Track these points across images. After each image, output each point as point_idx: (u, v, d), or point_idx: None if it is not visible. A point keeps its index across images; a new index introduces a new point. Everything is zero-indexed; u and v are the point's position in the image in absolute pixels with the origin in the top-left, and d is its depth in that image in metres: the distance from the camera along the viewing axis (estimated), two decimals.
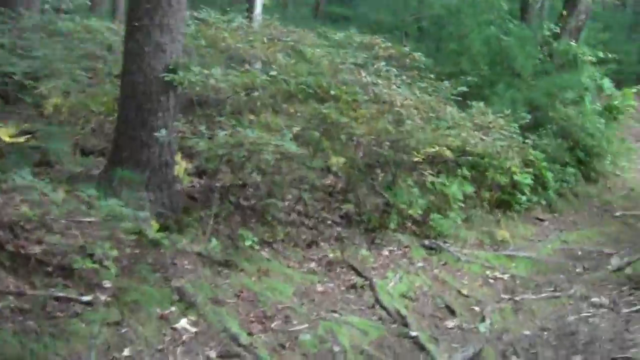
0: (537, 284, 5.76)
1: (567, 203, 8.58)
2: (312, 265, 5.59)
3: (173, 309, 4.14)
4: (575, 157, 9.21)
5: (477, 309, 5.20)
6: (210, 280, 4.69)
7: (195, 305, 4.25)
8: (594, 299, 5.25)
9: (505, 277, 5.91)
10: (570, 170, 8.86)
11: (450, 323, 4.93)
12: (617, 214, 8.35)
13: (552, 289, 5.62)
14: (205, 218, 5.23)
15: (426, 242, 6.41)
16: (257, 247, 5.30)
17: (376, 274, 5.54)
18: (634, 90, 10.40)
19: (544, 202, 8.26)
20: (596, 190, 9.21)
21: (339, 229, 6.28)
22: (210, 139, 4.91)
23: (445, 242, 6.47)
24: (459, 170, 7.33)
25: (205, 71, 4.87)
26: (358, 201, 6.73)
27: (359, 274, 5.50)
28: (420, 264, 5.96)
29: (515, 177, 7.77)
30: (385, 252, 6.13)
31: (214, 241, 5.06)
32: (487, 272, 5.97)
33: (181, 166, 5.18)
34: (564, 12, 10.56)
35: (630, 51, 20.35)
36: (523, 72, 9.61)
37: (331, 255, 5.75)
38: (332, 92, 5.74)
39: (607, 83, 10.36)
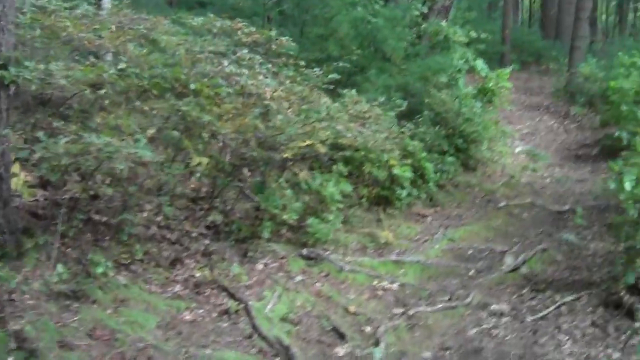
0: (430, 293, 6.02)
1: (448, 195, 9.09)
2: (177, 288, 5.48)
3: None
4: (453, 145, 9.78)
5: (368, 329, 5.32)
6: (56, 318, 4.42)
7: (38, 352, 3.97)
8: (494, 307, 5.60)
9: (395, 286, 6.11)
10: (450, 159, 9.39)
11: (340, 350, 4.99)
12: (501, 204, 8.92)
13: (447, 297, 5.90)
14: (50, 239, 4.96)
15: (304, 251, 6.50)
16: (111, 273, 5.10)
17: (251, 294, 5.53)
18: (507, 70, 11.23)
19: (424, 196, 8.69)
20: (476, 179, 9.83)
21: (206, 241, 6.21)
22: (45, 148, 4.64)
23: (325, 250, 6.61)
24: (335, 166, 7.53)
25: (41, 66, 4.58)
26: (226, 208, 6.70)
27: (231, 295, 5.46)
28: (299, 278, 6.04)
29: (395, 171, 8.10)
30: (260, 266, 6.16)
31: (61, 268, 4.80)
32: (375, 282, 6.14)
33: (20, 178, 4.84)
34: None
35: (493, 30, 22.10)
36: (394, 55, 10.05)
37: (198, 274, 5.67)
38: (192, 86, 5.64)
39: (480, 64, 11.09)
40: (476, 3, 22.58)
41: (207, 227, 6.45)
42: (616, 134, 11.09)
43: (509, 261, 6.64)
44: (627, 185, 5.45)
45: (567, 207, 8.96)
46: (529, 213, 8.74)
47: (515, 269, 6.44)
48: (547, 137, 13.76)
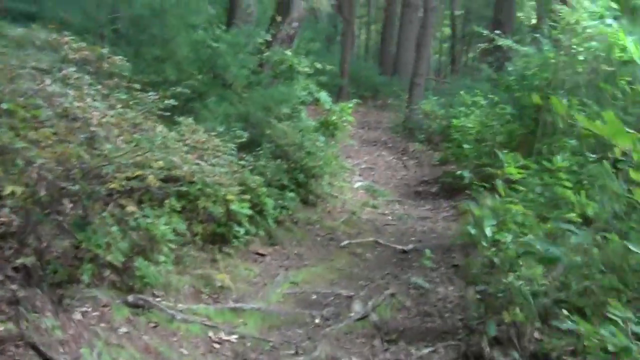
0: (273, 345, 5.64)
1: (288, 232, 8.86)
2: None
3: None
4: (294, 180, 9.63)
5: None
6: None
7: None
8: None
9: (233, 338, 5.67)
10: (290, 194, 9.20)
11: None
12: (344, 243, 8.83)
13: (292, 351, 5.55)
14: None
15: (130, 297, 5.89)
16: None
17: (66, 353, 4.90)
18: (351, 104, 11.34)
19: (263, 234, 8.41)
20: (317, 216, 9.71)
21: (13, 287, 5.46)
22: None
23: (154, 296, 6.08)
24: (167, 201, 7.06)
25: None
26: (40, 246, 6.00)
27: (41, 355, 4.77)
28: (124, 329, 5.44)
29: (232, 207, 7.77)
30: (78, 316, 5.49)
31: None
32: (210, 334, 5.66)
33: None
34: (278, 18, 11.01)
35: (332, 63, 22.62)
36: (236, 83, 9.76)
37: (1, 328, 4.96)
38: (5, 106, 4.99)
39: (324, 96, 11.12)
40: (318, 35, 23.02)
41: (16, 270, 5.70)
42: (458, 172, 11.50)
43: (357, 308, 6.43)
44: (488, 231, 5.47)
45: (410, 246, 9.04)
46: (373, 253, 8.72)
47: (364, 317, 6.23)
48: (386, 173, 14.07)
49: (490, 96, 12.48)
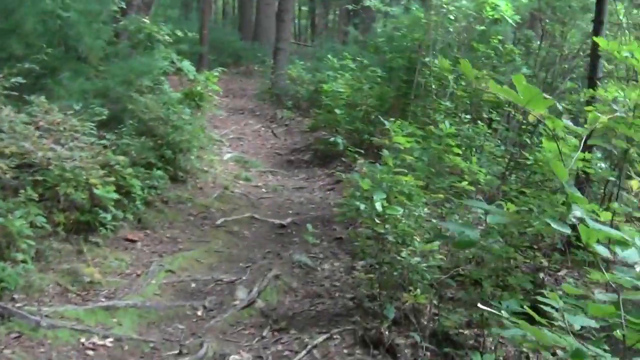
0: (154, 346, 5.07)
1: (159, 214, 8.24)
2: None
3: None
4: (161, 156, 9.02)
5: None
6: None
7: None
8: (233, 357, 4.91)
9: (108, 342, 5.05)
10: (158, 172, 8.56)
11: None
12: (219, 221, 8.31)
13: (176, 351, 5.01)
14: None
15: None
16: None
17: None
18: (216, 73, 10.75)
19: (132, 218, 7.78)
20: (188, 193, 9.14)
21: None
22: None
23: (14, 301, 5.38)
24: (23, 191, 6.29)
25: None
26: None
27: None
28: None
29: (96, 191, 7.10)
30: None
31: None
32: (82, 340, 5.02)
33: None
34: None
35: (190, 30, 21.73)
36: (92, 55, 8.94)
37: None
38: None
39: (187, 65, 10.47)
40: (175, 1, 22.01)
41: None
42: (331, 139, 11.24)
43: (241, 294, 5.96)
44: (378, 206, 5.16)
45: (289, 220, 8.69)
46: (250, 230, 8.29)
47: (249, 304, 5.79)
48: (256, 142, 13.60)
49: (359, 59, 12.25)
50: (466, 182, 5.67)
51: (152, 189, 8.41)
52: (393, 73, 11.80)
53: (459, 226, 3.50)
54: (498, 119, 10.19)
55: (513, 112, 9.89)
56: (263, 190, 10.32)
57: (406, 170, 5.62)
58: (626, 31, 8.40)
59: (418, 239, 5.20)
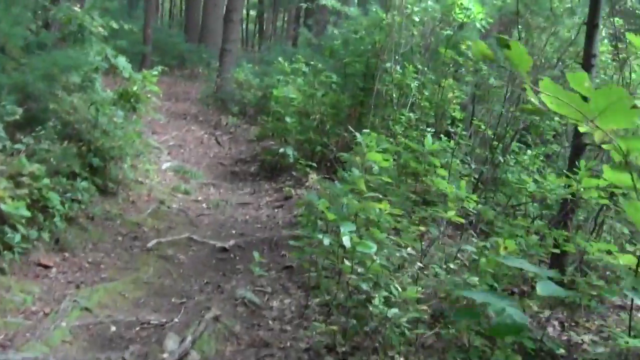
0: None
1: (81, 233, 6.95)
2: None
3: None
4: (87, 165, 7.73)
5: None
6: None
7: None
8: None
9: None
10: (83, 184, 7.25)
11: None
12: (151, 244, 7.05)
13: None
14: None
15: None
16: None
17: None
18: (155, 72, 9.47)
19: (47, 237, 6.48)
20: (118, 208, 7.87)
21: None
22: None
23: None
24: None
25: None
26: None
27: None
28: None
29: (3, 207, 5.82)
30: None
31: None
32: None
33: None
34: None
35: (134, 29, 20.33)
36: (10, 45, 7.60)
37: None
38: None
39: (123, 62, 9.15)
40: None
41: None
42: (280, 149, 10.09)
43: (171, 344, 4.65)
44: (346, 241, 4.04)
45: (232, 242, 7.49)
46: (187, 254, 7.06)
47: (182, 358, 4.58)
48: (198, 151, 12.33)
49: (313, 63, 11.13)
50: (452, 212, 4.60)
51: (74, 202, 7.11)
52: (349, 79, 10.71)
53: (494, 298, 2.35)
54: (464, 132, 9.22)
55: (483, 126, 8.94)
56: (203, 205, 9.09)
57: (380, 195, 4.51)
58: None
59: (395, 285, 4.09)
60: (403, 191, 5.45)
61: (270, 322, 5.28)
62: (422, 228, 4.60)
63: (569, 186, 5.32)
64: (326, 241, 4.16)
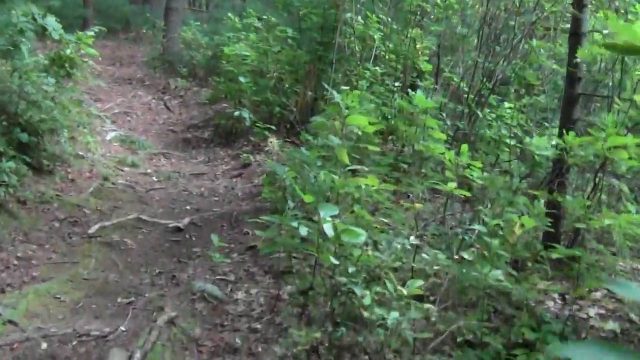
0: None
1: (10, 221, 5.85)
2: None
3: None
4: (15, 141, 6.63)
5: None
6: None
7: None
8: None
9: None
10: (9, 164, 6.16)
11: None
12: (93, 229, 6.02)
13: None
14: None
15: None
16: None
17: None
18: (91, 33, 8.27)
19: None
20: (54, 189, 6.78)
21: None
22: None
23: None
24: None
25: None
26: None
27: None
28: None
29: None
30: None
31: None
32: None
33: None
34: None
35: None
36: None
37: None
38: None
39: (52, 23, 7.93)
40: None
41: None
42: (235, 112, 9.05)
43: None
44: (328, 229, 3.12)
45: (186, 220, 6.52)
46: (136, 238, 6.04)
47: None
48: (145, 118, 11.19)
49: (266, 17, 10.02)
50: (453, 184, 3.70)
51: (2, 186, 6.05)
52: (306, 33, 9.67)
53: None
54: (435, 87, 8.32)
55: (455, 79, 8.05)
56: (154, 179, 8.05)
57: (365, 168, 3.59)
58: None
59: (388, 281, 3.18)
60: (390, 159, 4.54)
61: (236, 320, 4.35)
62: (418, 205, 3.70)
63: (561, 149, 4.48)
64: (303, 231, 3.24)
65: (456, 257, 3.36)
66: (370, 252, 3.28)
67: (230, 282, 4.97)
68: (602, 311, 4.77)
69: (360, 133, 3.59)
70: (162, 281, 5.07)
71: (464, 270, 3.14)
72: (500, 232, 3.38)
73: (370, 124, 3.45)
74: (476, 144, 7.39)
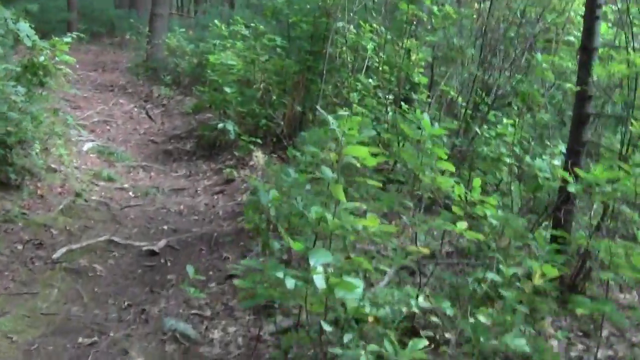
0: None
1: None
2: None
3: None
4: None
5: None
6: None
7: None
8: None
9: None
10: None
11: None
12: (58, 253, 5.46)
13: None
14: None
15: None
16: None
17: None
18: (68, 39, 7.71)
19: None
20: (21, 206, 6.21)
21: None
22: None
23: None
24: None
25: None
26: None
27: None
28: None
29: None
30: None
31: None
32: None
33: None
34: None
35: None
36: None
37: None
38: None
39: (25, 28, 7.36)
40: None
41: None
42: (219, 124, 8.51)
43: None
44: (319, 281, 2.60)
45: (162, 242, 5.98)
46: (106, 264, 5.48)
47: None
48: (126, 127, 10.61)
49: (253, 25, 9.49)
50: (463, 224, 3.17)
51: None
52: (295, 42, 9.15)
53: None
54: (429, 101, 7.83)
55: (452, 92, 7.57)
56: (130, 194, 7.49)
57: (364, 206, 3.07)
58: None
59: (387, 340, 2.67)
60: (393, 196, 4.01)
61: None
62: (424, 250, 3.19)
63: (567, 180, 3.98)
64: (290, 283, 2.71)
65: (471, 319, 2.84)
66: (367, 307, 2.77)
67: (206, 318, 4.44)
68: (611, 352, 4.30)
69: (358, 165, 3.07)
70: (130, 316, 4.52)
71: (481, 339, 2.64)
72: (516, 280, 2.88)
73: (372, 155, 2.93)
74: (474, 163, 6.91)
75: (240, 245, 5.88)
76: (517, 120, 6.75)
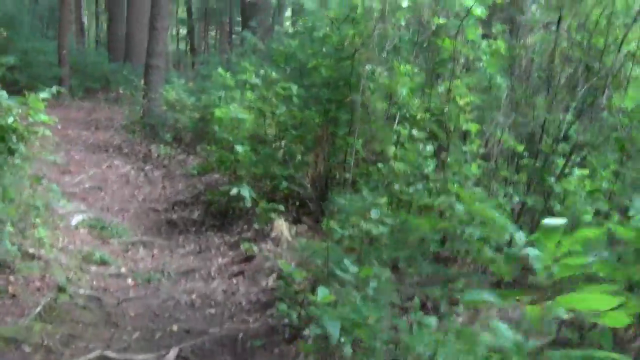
0: None
1: None
2: None
3: None
4: None
5: None
6: None
7: None
8: None
9: None
10: None
11: None
12: None
13: None
14: None
15: None
16: None
17: None
18: (45, 95, 6.23)
19: None
20: None
21: None
22: None
23: None
24: None
25: None
26: None
27: None
28: None
29: None
30: None
31: None
32: None
33: None
34: None
35: (46, 50, 17.15)
36: None
37: None
38: None
39: None
40: (18, 22, 17.35)
41: None
42: (233, 190, 6.98)
43: None
44: None
45: (173, 354, 4.44)
46: None
47: None
48: (122, 193, 9.07)
49: (263, 72, 8.04)
50: None
51: None
52: (312, 91, 7.70)
53: None
54: (481, 150, 6.37)
55: (512, 142, 6.10)
56: (129, 282, 5.95)
57: None
58: None
59: None
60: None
61: None
62: None
63: None
64: None
65: None
66: None
67: None
68: None
69: None
70: None
71: None
72: None
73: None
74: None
75: (274, 352, 4.36)
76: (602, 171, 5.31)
